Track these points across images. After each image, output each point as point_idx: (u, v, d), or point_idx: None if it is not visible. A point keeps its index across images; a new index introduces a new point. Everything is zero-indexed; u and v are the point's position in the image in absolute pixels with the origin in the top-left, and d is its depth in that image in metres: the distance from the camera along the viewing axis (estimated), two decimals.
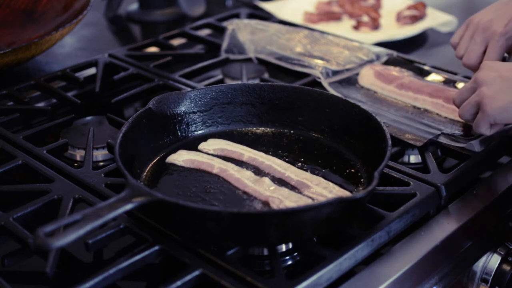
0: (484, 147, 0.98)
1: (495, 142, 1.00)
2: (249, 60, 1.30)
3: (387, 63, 1.22)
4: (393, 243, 0.84)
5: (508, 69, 0.92)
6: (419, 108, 1.09)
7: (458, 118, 1.04)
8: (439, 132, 1.00)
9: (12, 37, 1.39)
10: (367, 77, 1.17)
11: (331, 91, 1.13)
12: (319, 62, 1.22)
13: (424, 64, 1.21)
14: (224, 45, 1.33)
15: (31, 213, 0.87)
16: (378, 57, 1.24)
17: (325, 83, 1.16)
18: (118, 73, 1.27)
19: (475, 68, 1.04)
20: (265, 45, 1.29)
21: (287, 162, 0.94)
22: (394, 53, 1.25)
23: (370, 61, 1.22)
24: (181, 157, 0.94)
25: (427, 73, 1.18)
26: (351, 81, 1.18)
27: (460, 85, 1.13)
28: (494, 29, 1.04)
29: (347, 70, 1.19)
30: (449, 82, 1.15)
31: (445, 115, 1.06)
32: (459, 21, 1.53)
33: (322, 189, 0.86)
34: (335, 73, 1.18)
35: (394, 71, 1.17)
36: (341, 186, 0.88)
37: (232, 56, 1.31)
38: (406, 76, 1.15)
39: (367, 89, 1.16)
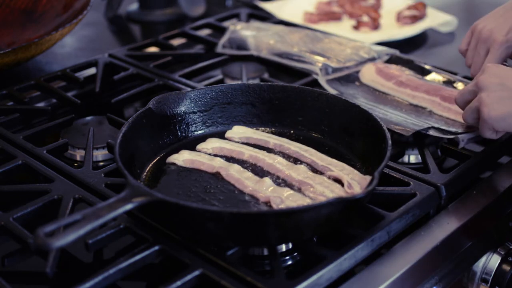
0: (470, 143, 0.98)
1: (495, 142, 1.00)
2: (249, 59, 1.30)
3: (389, 61, 1.22)
4: (393, 243, 0.84)
5: (510, 76, 0.92)
6: (416, 106, 1.09)
7: (453, 117, 1.04)
8: (429, 125, 1.00)
9: (12, 37, 1.39)
10: (368, 74, 1.17)
11: (328, 88, 1.13)
12: (320, 58, 1.22)
13: (425, 64, 1.21)
14: (223, 40, 1.33)
15: (31, 213, 0.87)
16: (379, 55, 1.24)
17: (322, 80, 1.16)
18: (118, 73, 1.27)
19: None
20: (266, 41, 1.30)
21: (288, 161, 0.94)
22: (397, 52, 1.25)
23: (372, 59, 1.22)
24: (182, 157, 0.94)
25: (428, 72, 1.18)
26: (350, 79, 1.18)
27: (459, 85, 1.13)
28: (494, 37, 1.04)
29: (347, 68, 1.20)
30: (449, 82, 1.15)
31: (441, 113, 1.06)
32: (459, 21, 1.53)
33: (323, 189, 0.86)
34: (335, 70, 1.19)
35: (395, 69, 1.17)
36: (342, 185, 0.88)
37: (228, 51, 1.31)
38: (406, 74, 1.15)
39: (366, 86, 1.16)
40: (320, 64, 1.19)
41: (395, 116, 1.05)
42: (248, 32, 1.34)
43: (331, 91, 1.12)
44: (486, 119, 0.90)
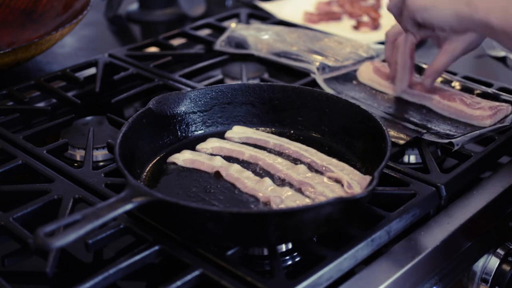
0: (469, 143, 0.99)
1: (495, 142, 1.00)
2: (249, 59, 1.30)
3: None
4: (393, 243, 0.84)
5: None
6: (412, 105, 1.09)
7: (452, 116, 1.05)
8: (424, 131, 1.01)
9: (12, 37, 1.39)
10: (366, 72, 1.17)
11: (325, 87, 1.13)
12: (318, 57, 1.22)
13: (424, 63, 1.21)
14: (221, 38, 1.33)
15: (31, 213, 0.87)
16: (378, 54, 1.24)
17: (319, 79, 1.16)
18: (118, 73, 1.27)
19: None
20: (265, 40, 1.30)
21: (288, 161, 0.94)
22: None
23: (370, 58, 1.22)
24: (183, 157, 0.94)
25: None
26: (347, 78, 1.18)
27: (457, 84, 1.13)
28: None
29: (344, 66, 1.20)
30: (446, 82, 1.15)
31: (441, 112, 1.06)
32: None
33: (323, 189, 0.86)
34: (333, 69, 1.19)
35: None
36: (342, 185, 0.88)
37: (227, 50, 1.31)
38: None
39: (364, 85, 1.16)
40: (317, 63, 1.19)
41: (392, 118, 1.05)
42: (247, 32, 1.34)
43: (328, 90, 1.12)
44: (409, 5, 0.95)
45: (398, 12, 1.00)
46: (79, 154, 1.05)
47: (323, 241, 0.84)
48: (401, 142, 0.98)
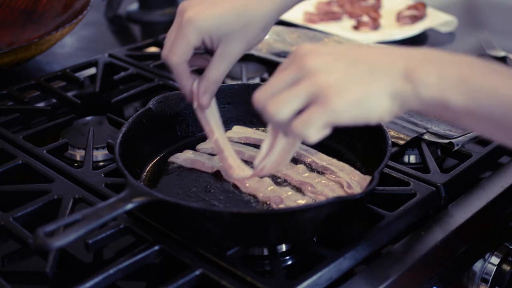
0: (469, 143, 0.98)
1: (495, 142, 1.00)
2: (249, 59, 1.30)
3: None
4: (393, 243, 0.84)
5: (343, 49, 0.71)
6: None
7: None
8: (424, 131, 1.01)
9: (12, 37, 1.39)
10: None
11: None
12: None
13: None
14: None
15: (31, 213, 0.86)
16: None
17: None
18: (118, 73, 1.27)
19: None
20: (265, 40, 1.30)
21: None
22: None
23: None
24: (184, 156, 0.94)
25: None
26: None
27: None
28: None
29: None
30: None
31: None
32: (459, 21, 1.53)
33: (323, 188, 0.86)
34: None
35: None
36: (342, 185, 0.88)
37: None
38: None
39: None
40: None
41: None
42: None
43: None
44: (335, 105, 0.66)
45: (291, 115, 0.68)
46: (79, 154, 1.05)
47: (323, 241, 0.84)
48: (401, 142, 0.98)
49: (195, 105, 0.89)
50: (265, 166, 0.79)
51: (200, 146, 0.98)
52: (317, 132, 0.68)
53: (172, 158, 0.94)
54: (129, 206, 0.75)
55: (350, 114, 0.67)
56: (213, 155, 0.95)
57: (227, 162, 0.89)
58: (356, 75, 0.67)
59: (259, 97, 0.69)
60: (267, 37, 1.32)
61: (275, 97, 0.68)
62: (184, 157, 0.94)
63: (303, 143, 0.86)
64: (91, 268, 0.85)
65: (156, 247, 0.79)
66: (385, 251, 0.83)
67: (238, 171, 0.88)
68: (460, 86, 0.65)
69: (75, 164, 1.02)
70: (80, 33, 1.55)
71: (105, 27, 1.63)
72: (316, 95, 0.67)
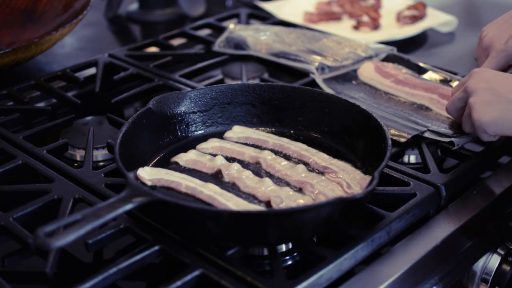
0: (469, 143, 0.99)
1: (494, 142, 1.00)
2: (248, 59, 1.30)
3: (385, 59, 1.23)
4: (393, 243, 0.84)
5: (498, 81, 0.91)
6: (412, 104, 1.09)
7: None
8: (425, 129, 1.01)
9: (12, 37, 1.39)
10: (367, 71, 1.17)
11: (324, 87, 1.13)
12: (317, 58, 1.22)
13: (424, 62, 1.21)
14: (220, 39, 1.33)
15: (31, 213, 0.87)
16: (377, 54, 1.24)
17: (318, 79, 1.16)
18: (118, 73, 1.27)
19: None
20: (264, 41, 1.30)
21: (288, 161, 0.94)
22: (395, 49, 1.25)
23: (369, 58, 1.22)
24: (186, 157, 0.94)
25: (425, 71, 1.18)
26: (347, 78, 1.18)
27: (455, 83, 1.13)
28: (493, 45, 1.03)
29: (344, 66, 1.20)
30: (445, 81, 1.15)
31: (440, 111, 1.06)
32: (459, 21, 1.53)
33: (323, 188, 0.86)
34: (332, 69, 1.19)
35: (392, 67, 1.18)
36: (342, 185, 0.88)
37: (225, 50, 1.31)
38: (403, 73, 1.16)
39: (363, 85, 1.16)
40: (316, 63, 1.19)
41: (392, 117, 1.05)
42: (246, 32, 1.34)
43: (328, 90, 1.12)
44: (477, 125, 0.90)
45: (472, 129, 0.93)
46: (79, 154, 1.05)
47: (323, 241, 0.84)
48: (402, 140, 0.98)
49: None
50: None
51: (201, 146, 0.98)
52: (489, 137, 0.92)
53: (175, 158, 0.94)
54: (129, 206, 0.75)
55: (491, 130, 0.90)
56: (214, 155, 0.95)
57: None
58: (496, 103, 0.89)
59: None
60: (265, 37, 1.32)
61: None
62: (186, 158, 0.94)
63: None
64: (91, 268, 0.85)
65: (156, 247, 0.79)
66: (385, 251, 0.83)
67: None
68: None
69: (75, 164, 1.02)
70: (80, 33, 1.55)
71: (105, 27, 1.63)
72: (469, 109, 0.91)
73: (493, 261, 0.95)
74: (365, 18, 1.56)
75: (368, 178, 0.87)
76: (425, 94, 1.09)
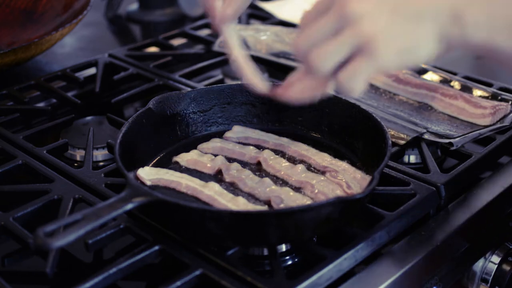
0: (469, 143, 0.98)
1: (495, 142, 1.00)
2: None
3: None
4: (393, 243, 0.84)
5: None
6: (413, 104, 1.09)
7: (453, 114, 1.04)
8: (424, 130, 1.01)
9: (12, 37, 1.39)
10: None
11: None
12: None
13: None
14: (220, 39, 1.33)
15: (31, 213, 0.87)
16: None
17: None
18: (118, 73, 1.27)
19: None
20: (264, 41, 1.30)
21: (288, 161, 0.94)
22: None
23: None
24: (187, 157, 0.94)
25: (425, 71, 1.18)
26: None
27: (456, 84, 1.13)
28: None
29: None
30: (445, 81, 1.15)
31: (442, 110, 1.06)
32: None
33: (323, 188, 0.86)
34: None
35: None
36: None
37: (224, 50, 1.30)
38: (403, 73, 1.16)
39: None
40: None
41: (392, 117, 1.05)
42: (246, 32, 1.34)
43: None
44: (382, 55, 0.65)
45: (333, 68, 0.67)
46: (79, 154, 1.05)
47: (323, 241, 0.84)
48: (401, 142, 0.98)
49: (217, 20, 0.89)
50: (288, 93, 0.77)
51: (201, 146, 0.98)
52: (363, 84, 0.67)
53: (176, 158, 0.94)
54: (129, 206, 0.75)
55: (397, 63, 0.66)
56: (215, 155, 0.95)
57: (247, 77, 0.89)
58: (402, 21, 0.63)
59: (300, 45, 0.67)
60: (265, 37, 1.32)
61: (318, 48, 0.66)
62: (187, 158, 0.94)
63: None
64: (91, 268, 0.85)
65: (156, 247, 0.79)
66: (385, 251, 0.83)
67: (258, 84, 0.88)
68: (509, 28, 0.62)
69: (75, 164, 1.02)
70: (80, 33, 1.55)
71: (105, 27, 1.63)
72: (362, 45, 0.64)
73: (493, 261, 0.95)
74: None
75: (368, 178, 0.87)
76: (428, 93, 1.09)
